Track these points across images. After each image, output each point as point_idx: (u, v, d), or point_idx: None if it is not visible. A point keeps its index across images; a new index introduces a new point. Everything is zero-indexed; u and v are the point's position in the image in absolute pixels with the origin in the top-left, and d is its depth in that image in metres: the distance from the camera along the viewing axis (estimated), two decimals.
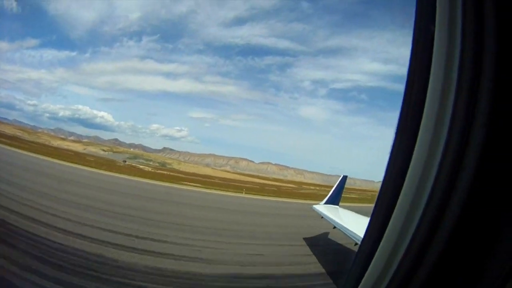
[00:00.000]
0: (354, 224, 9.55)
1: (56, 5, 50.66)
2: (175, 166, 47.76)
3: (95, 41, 55.76)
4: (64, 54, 49.00)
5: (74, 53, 48.72)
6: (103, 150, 48.68)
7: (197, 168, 48.06)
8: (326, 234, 13.29)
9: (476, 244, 1.12)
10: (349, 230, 9.17)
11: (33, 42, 46.40)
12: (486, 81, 1.06)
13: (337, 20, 56.84)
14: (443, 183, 1.11)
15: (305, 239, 13.42)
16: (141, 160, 47.39)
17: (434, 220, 1.12)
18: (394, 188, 1.21)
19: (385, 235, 1.22)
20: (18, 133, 47.56)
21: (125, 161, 40.85)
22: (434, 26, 1.14)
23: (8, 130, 46.61)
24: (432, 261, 1.13)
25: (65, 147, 46.94)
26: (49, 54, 47.70)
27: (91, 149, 48.16)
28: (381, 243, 1.23)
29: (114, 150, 50.05)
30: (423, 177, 1.15)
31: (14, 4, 42.16)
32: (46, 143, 46.74)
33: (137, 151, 50.72)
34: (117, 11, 50.81)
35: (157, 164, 46.91)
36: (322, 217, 11.43)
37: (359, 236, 7.93)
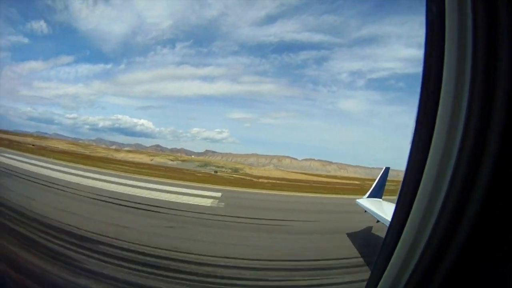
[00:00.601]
0: None
1: (85, 23, 48.04)
2: (247, 171, 48.28)
3: (129, 52, 54.04)
4: (99, 67, 48.56)
5: (109, 66, 47.77)
6: (171, 160, 46.55)
7: (269, 172, 49.24)
8: None
9: (498, 241, 1.05)
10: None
11: (67, 59, 45.98)
12: (502, 62, 0.99)
13: (368, 8, 58.44)
14: (460, 179, 1.07)
15: None
16: (212, 167, 46.82)
17: (453, 216, 1.08)
18: (415, 182, 1.17)
19: (405, 228, 1.20)
20: (72, 147, 42.43)
21: (216, 172, 40.40)
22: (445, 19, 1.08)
23: (61, 146, 41.40)
24: (454, 253, 1.10)
25: (130, 159, 43.61)
26: (84, 68, 47.67)
27: (158, 160, 45.64)
28: (401, 238, 1.21)
29: (180, 158, 48.09)
30: (440, 173, 1.10)
31: (44, 25, 41.78)
32: (109, 156, 42.80)
33: (206, 158, 49.45)
34: (147, 21, 49.95)
35: (230, 170, 46.90)
36: (366, 211, 11.15)
37: None
